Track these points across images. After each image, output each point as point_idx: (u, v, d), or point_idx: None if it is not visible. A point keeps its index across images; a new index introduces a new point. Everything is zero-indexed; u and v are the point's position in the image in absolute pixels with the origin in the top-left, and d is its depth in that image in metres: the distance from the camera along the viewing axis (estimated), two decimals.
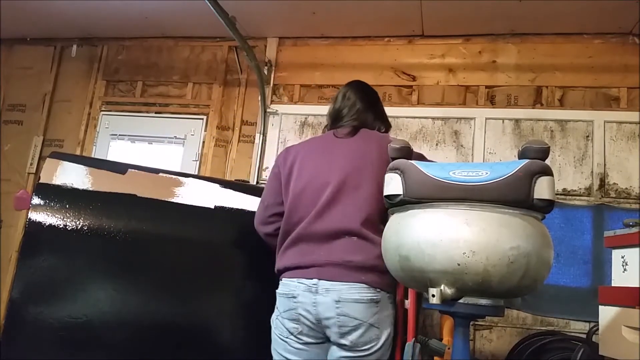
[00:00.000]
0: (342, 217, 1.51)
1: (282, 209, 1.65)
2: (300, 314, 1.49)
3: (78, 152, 3.36)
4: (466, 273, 1.18)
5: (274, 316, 1.59)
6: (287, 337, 1.52)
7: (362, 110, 1.74)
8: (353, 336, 1.44)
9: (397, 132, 2.99)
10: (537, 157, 1.24)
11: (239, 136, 3.22)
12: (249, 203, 1.96)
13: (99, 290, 1.76)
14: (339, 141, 1.67)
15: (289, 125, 3.14)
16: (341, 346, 1.47)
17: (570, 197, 2.71)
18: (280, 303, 1.56)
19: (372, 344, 1.46)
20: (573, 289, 2.56)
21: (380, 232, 1.52)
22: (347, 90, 1.79)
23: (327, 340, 1.51)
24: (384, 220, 1.57)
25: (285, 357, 1.54)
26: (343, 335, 1.45)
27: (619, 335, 1.62)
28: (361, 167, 1.58)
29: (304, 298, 1.48)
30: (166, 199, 1.90)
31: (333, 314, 1.44)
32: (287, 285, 1.54)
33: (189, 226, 1.92)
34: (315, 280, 1.47)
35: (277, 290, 1.58)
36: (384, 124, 1.80)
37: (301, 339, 1.51)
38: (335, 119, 1.76)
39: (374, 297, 1.47)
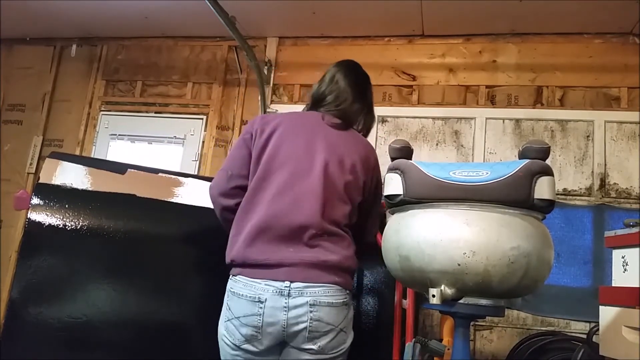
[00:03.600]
0: (318, 212, 1.38)
1: (245, 183, 1.47)
2: (265, 321, 1.32)
3: (77, 152, 3.36)
4: (466, 273, 1.18)
5: (223, 319, 1.40)
6: (241, 345, 1.35)
7: (350, 100, 1.57)
8: (322, 341, 1.33)
9: (397, 132, 2.99)
10: (537, 157, 1.24)
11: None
12: None
13: (99, 290, 1.76)
14: (326, 129, 1.51)
15: None
16: (305, 350, 1.34)
17: (570, 197, 2.70)
18: (238, 306, 1.35)
19: (339, 349, 1.38)
20: (573, 289, 2.56)
21: (349, 232, 1.45)
22: (336, 72, 1.61)
23: (282, 343, 1.36)
24: (353, 221, 1.48)
25: None
26: (312, 340, 1.33)
27: (619, 335, 1.62)
28: (342, 168, 1.45)
29: (273, 302, 1.31)
30: (166, 199, 1.90)
31: (306, 318, 1.31)
32: (250, 287, 1.34)
33: (189, 226, 1.91)
34: (287, 283, 1.32)
35: (231, 290, 1.39)
36: (369, 117, 1.64)
37: (258, 346, 1.35)
38: (317, 102, 1.59)
39: (345, 300, 1.39)
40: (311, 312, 1.32)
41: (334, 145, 1.47)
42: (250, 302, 1.33)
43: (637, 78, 2.73)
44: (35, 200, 1.76)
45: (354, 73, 1.64)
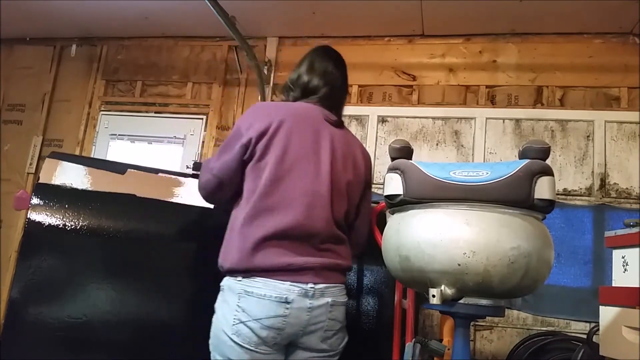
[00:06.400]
0: (328, 217, 1.39)
1: (235, 190, 1.42)
2: (289, 322, 1.31)
3: (77, 152, 3.36)
4: (466, 273, 1.18)
5: (234, 320, 1.32)
6: (257, 347, 1.31)
7: (343, 93, 1.59)
8: (333, 339, 1.39)
9: (397, 132, 2.99)
10: (537, 157, 1.24)
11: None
12: None
13: (99, 290, 1.76)
14: (327, 126, 1.47)
15: None
16: (316, 350, 1.37)
17: (570, 197, 2.70)
18: (258, 307, 1.30)
19: (342, 345, 1.44)
20: (574, 289, 2.56)
21: (347, 232, 1.50)
22: (327, 63, 1.58)
23: (291, 342, 1.37)
24: (349, 221, 1.53)
25: None
26: (324, 339, 1.37)
27: (620, 335, 1.61)
28: (346, 168, 1.47)
29: (299, 303, 1.31)
30: (165, 199, 1.90)
31: (325, 317, 1.35)
32: (272, 287, 1.31)
33: (189, 226, 1.91)
34: (311, 285, 1.33)
35: (246, 290, 1.32)
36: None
37: (273, 346, 1.33)
38: (308, 92, 1.52)
39: (347, 299, 1.46)
40: (330, 312, 1.36)
41: (336, 145, 1.46)
42: (275, 302, 1.30)
43: (637, 78, 2.73)
44: (35, 200, 1.76)
45: (342, 63, 1.62)
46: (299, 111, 1.46)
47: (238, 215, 1.39)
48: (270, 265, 1.32)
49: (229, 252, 1.37)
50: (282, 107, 1.46)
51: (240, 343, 1.30)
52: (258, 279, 1.32)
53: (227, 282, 1.38)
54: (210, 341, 1.41)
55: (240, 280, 1.34)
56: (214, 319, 1.40)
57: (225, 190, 1.44)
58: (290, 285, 1.31)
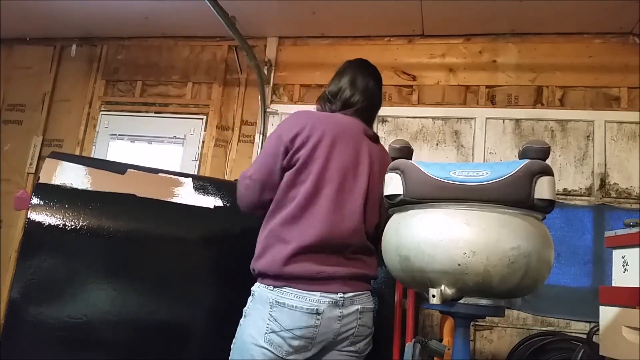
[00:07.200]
0: (361, 229, 1.44)
1: (274, 195, 1.43)
2: (320, 331, 1.34)
3: (77, 152, 3.36)
4: (466, 273, 1.18)
5: (263, 330, 1.34)
6: (288, 356, 1.33)
7: (377, 110, 1.63)
8: (361, 344, 1.43)
9: (397, 132, 2.99)
10: (537, 157, 1.24)
11: (239, 136, 3.22)
12: None
13: (99, 290, 1.76)
14: (366, 141, 1.52)
15: None
16: (346, 352, 1.41)
17: (570, 197, 2.70)
18: (290, 318, 1.32)
19: (369, 349, 1.47)
20: (574, 289, 2.56)
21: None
22: (370, 80, 1.58)
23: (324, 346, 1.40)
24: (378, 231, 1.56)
25: None
26: (354, 343, 1.41)
27: (620, 335, 1.61)
28: (380, 184, 1.45)
29: (329, 313, 1.34)
30: (165, 199, 1.90)
31: (355, 324, 1.39)
32: (303, 298, 1.33)
33: (188, 226, 1.91)
34: (341, 294, 1.37)
35: (278, 301, 1.34)
36: None
37: (305, 355, 1.36)
38: (346, 106, 1.55)
39: (374, 305, 1.50)
40: (359, 318, 1.40)
41: (374, 160, 1.51)
42: (306, 314, 1.32)
43: (637, 78, 2.73)
44: (35, 200, 1.76)
45: (380, 79, 1.64)
46: (341, 123, 1.50)
47: (272, 221, 1.42)
48: (300, 273, 1.34)
49: (262, 257, 1.40)
50: (326, 118, 1.49)
51: (272, 351, 1.32)
52: (289, 289, 1.34)
53: (258, 288, 1.40)
54: (235, 342, 1.42)
55: (272, 290, 1.36)
56: (243, 322, 1.41)
57: (266, 194, 1.44)
58: (321, 296, 1.34)
